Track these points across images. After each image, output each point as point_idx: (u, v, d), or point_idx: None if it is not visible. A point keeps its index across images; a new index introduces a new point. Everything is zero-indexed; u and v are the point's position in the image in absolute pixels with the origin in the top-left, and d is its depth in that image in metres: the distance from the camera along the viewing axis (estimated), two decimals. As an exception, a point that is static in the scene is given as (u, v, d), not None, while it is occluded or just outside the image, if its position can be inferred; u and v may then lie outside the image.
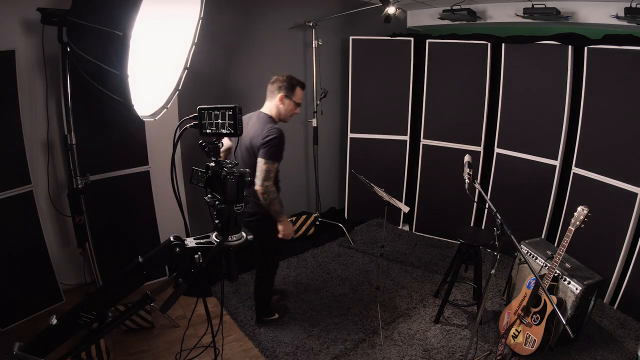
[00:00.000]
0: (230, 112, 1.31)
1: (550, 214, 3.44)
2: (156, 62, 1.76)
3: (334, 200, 4.71)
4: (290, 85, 2.45)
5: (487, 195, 3.35)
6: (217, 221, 1.38)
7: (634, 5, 2.63)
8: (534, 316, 2.45)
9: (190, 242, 1.40)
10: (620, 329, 2.82)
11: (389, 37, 4.23)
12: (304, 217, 4.17)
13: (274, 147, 2.26)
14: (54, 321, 1.28)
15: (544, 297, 2.41)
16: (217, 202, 1.36)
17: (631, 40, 2.85)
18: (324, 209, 4.53)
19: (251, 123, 2.41)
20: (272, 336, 2.75)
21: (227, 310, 3.02)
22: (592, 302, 2.57)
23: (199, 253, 1.36)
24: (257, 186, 2.28)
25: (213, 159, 1.39)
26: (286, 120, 2.52)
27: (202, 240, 1.41)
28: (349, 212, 4.54)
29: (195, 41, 1.83)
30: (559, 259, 2.38)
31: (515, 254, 2.99)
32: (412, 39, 4.02)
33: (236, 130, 1.32)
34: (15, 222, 2.66)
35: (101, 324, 1.31)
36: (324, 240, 4.05)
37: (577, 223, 2.26)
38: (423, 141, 4.07)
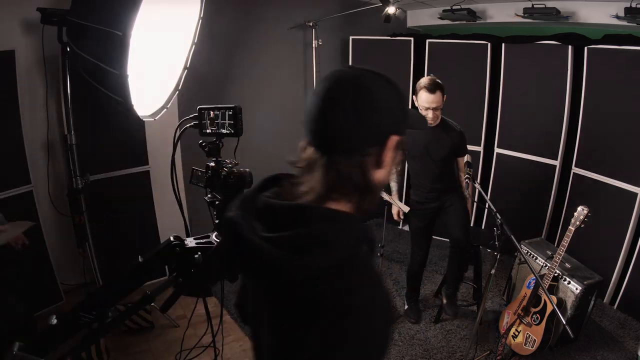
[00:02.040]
0: (231, 112, 1.31)
1: (550, 214, 3.44)
2: (156, 62, 1.76)
3: (334, 200, 4.70)
4: (415, 88, 2.58)
5: (487, 195, 3.35)
6: (217, 221, 1.38)
7: (634, 5, 2.63)
8: (534, 316, 2.45)
9: (190, 242, 1.39)
10: (620, 329, 2.82)
11: (389, 37, 4.23)
12: (304, 217, 4.16)
13: None
14: (54, 321, 1.28)
15: (544, 297, 2.41)
16: (217, 202, 1.36)
17: (631, 40, 2.85)
18: (324, 209, 4.52)
19: None
20: (272, 336, 2.75)
21: (227, 310, 3.01)
22: (592, 302, 2.57)
23: (199, 253, 1.36)
24: None
25: (213, 159, 1.39)
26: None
27: (202, 240, 1.41)
28: (349, 212, 4.54)
29: (195, 41, 1.83)
30: (559, 259, 2.38)
31: (515, 254, 2.99)
32: (412, 39, 4.01)
33: (236, 130, 1.32)
34: (15, 222, 2.66)
35: (101, 324, 1.31)
36: (324, 240, 4.05)
37: (577, 223, 2.26)
38: (423, 141, 4.07)
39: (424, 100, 2.48)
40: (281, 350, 0.69)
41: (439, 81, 2.49)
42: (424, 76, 3.93)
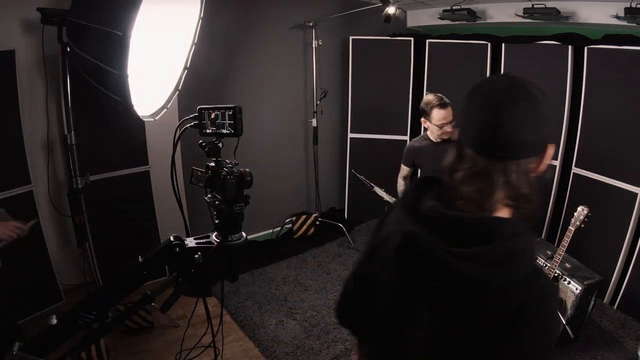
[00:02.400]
0: (231, 112, 1.31)
1: (550, 214, 3.44)
2: (156, 62, 1.76)
3: (334, 200, 4.71)
4: (424, 110, 2.58)
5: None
6: (217, 221, 1.38)
7: (634, 5, 2.63)
8: (534, 316, 2.44)
9: (190, 242, 1.40)
10: (620, 329, 2.82)
11: (389, 37, 4.23)
12: (304, 217, 4.16)
13: (403, 154, 2.85)
14: (54, 321, 1.28)
15: (544, 297, 2.41)
16: (217, 202, 1.36)
17: (631, 40, 2.85)
18: (324, 209, 4.52)
19: None
20: (272, 336, 2.75)
21: (227, 310, 3.02)
22: (592, 302, 2.57)
23: (199, 253, 1.36)
24: None
25: (213, 159, 1.39)
26: (442, 139, 2.60)
27: (202, 240, 1.41)
28: (349, 212, 4.54)
29: (195, 41, 1.83)
30: (559, 259, 2.38)
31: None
32: (412, 39, 4.01)
33: (236, 130, 1.32)
34: (15, 222, 2.66)
35: (101, 324, 1.31)
36: (324, 240, 4.05)
37: (577, 223, 2.26)
38: (423, 141, 4.07)
39: (440, 117, 2.50)
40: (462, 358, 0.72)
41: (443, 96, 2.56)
42: (424, 76, 3.96)
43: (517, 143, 0.72)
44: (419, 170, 2.88)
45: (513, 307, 0.69)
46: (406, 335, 0.80)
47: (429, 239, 0.72)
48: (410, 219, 0.77)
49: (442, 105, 2.50)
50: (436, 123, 2.52)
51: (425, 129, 2.71)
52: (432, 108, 2.52)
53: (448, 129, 2.52)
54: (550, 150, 0.78)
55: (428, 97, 2.57)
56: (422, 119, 2.62)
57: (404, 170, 2.87)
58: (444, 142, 2.60)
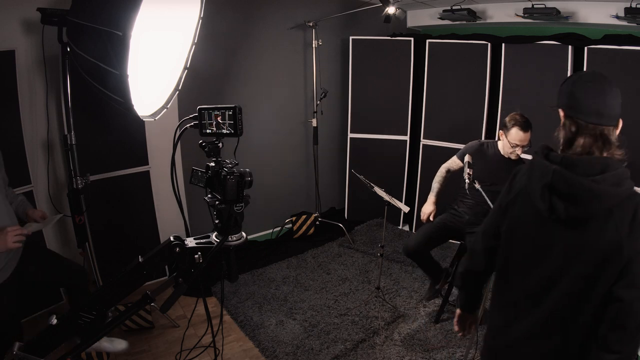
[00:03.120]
0: (230, 112, 1.31)
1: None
2: (156, 62, 1.76)
3: (334, 200, 4.71)
4: (505, 124, 2.56)
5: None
6: (217, 221, 1.38)
7: (634, 5, 2.63)
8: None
9: (190, 242, 1.40)
10: (620, 329, 2.82)
11: (389, 37, 4.23)
12: (304, 217, 4.17)
13: (464, 148, 2.81)
14: (54, 321, 1.28)
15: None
16: (217, 202, 1.36)
17: (631, 40, 2.85)
18: (324, 209, 4.52)
19: None
20: (272, 336, 2.75)
21: (227, 310, 3.02)
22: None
23: (199, 253, 1.36)
24: None
25: (213, 159, 1.39)
26: (508, 156, 2.60)
27: (202, 240, 1.41)
28: (349, 212, 4.54)
29: (195, 41, 1.83)
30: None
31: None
32: (412, 39, 4.02)
33: (236, 130, 1.32)
34: (15, 222, 2.66)
35: (101, 324, 1.31)
36: (324, 240, 4.05)
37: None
38: (423, 141, 4.07)
39: (516, 138, 2.47)
40: (600, 257, 1.09)
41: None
42: (424, 76, 3.96)
43: (613, 114, 1.16)
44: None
45: (630, 212, 1.08)
46: (547, 256, 1.18)
47: (570, 173, 1.11)
48: (552, 163, 1.15)
49: (523, 127, 2.47)
50: (511, 141, 2.50)
51: (495, 140, 2.72)
52: (513, 126, 2.48)
53: (518, 151, 2.52)
54: (620, 122, 1.20)
55: (515, 114, 2.53)
56: (500, 131, 2.60)
57: (454, 163, 2.83)
58: (508, 160, 2.58)
